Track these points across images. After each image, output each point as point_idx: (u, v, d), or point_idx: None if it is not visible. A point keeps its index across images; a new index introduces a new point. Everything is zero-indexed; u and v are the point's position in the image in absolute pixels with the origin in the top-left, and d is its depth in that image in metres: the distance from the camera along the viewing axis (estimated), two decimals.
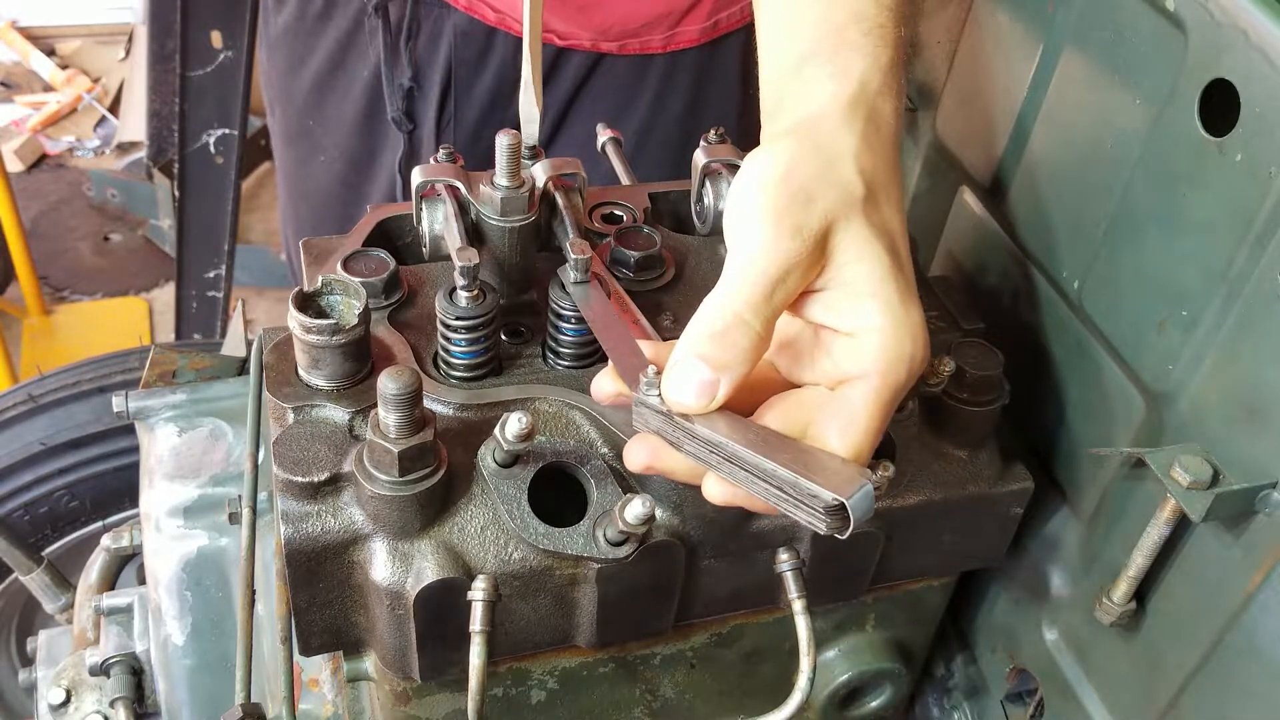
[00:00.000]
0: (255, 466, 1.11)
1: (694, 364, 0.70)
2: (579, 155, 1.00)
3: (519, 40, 1.47)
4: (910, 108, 1.20)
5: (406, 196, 1.57)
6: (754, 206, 0.72)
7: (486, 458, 0.84)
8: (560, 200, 0.93)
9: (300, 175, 1.72)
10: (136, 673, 1.34)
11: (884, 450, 0.94)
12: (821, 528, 0.67)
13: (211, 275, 2.87)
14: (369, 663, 0.93)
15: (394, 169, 1.59)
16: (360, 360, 0.87)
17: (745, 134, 1.64)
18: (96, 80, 4.53)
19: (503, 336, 0.95)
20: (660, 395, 0.72)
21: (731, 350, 0.70)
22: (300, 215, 1.78)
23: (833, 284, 0.73)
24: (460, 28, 1.46)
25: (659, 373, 0.73)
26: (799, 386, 0.76)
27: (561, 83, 1.51)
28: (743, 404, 0.73)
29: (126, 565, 1.57)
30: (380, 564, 0.83)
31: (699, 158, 1.00)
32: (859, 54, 0.81)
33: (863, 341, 0.72)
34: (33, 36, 4.60)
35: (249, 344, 1.50)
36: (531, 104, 0.93)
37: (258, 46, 1.75)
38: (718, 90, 1.62)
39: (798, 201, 0.72)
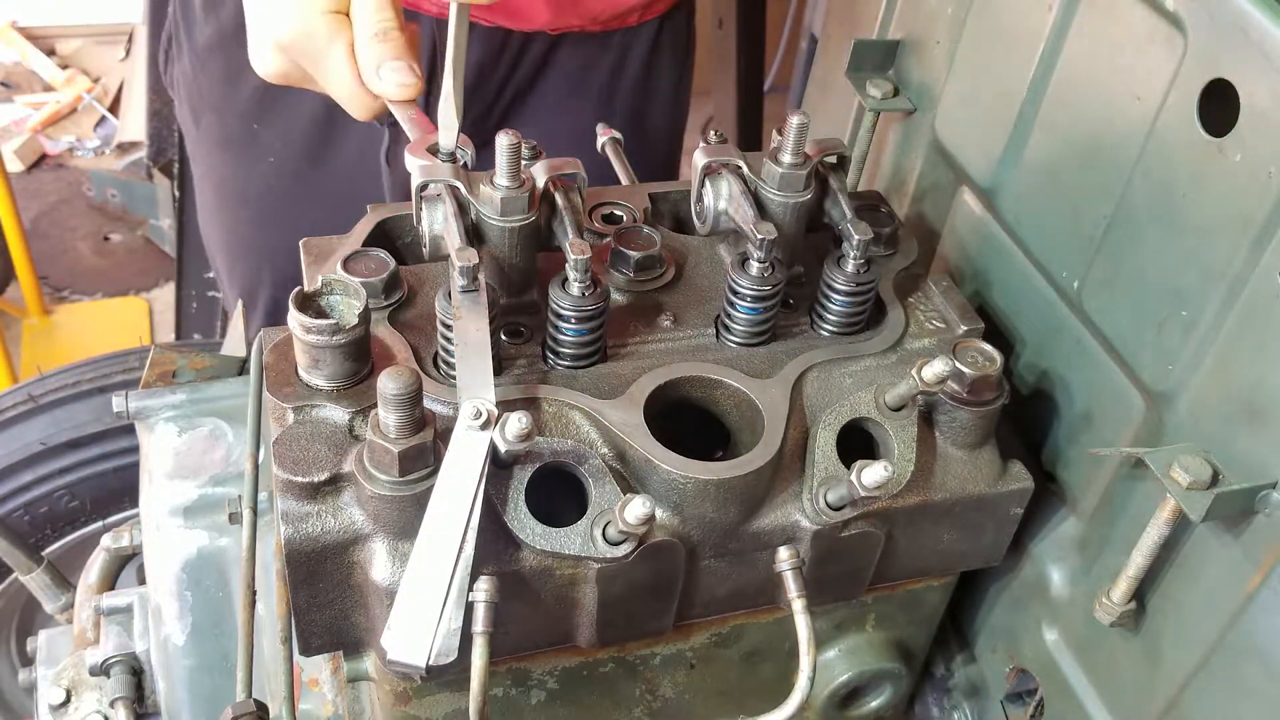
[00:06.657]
0: (255, 466, 1.11)
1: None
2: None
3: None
4: (910, 108, 1.20)
5: (391, 188, 1.58)
6: None
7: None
8: (560, 200, 0.93)
9: (240, 179, 1.70)
10: (136, 673, 1.34)
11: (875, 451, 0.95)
12: None
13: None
14: (369, 663, 0.93)
15: (349, 162, 1.59)
16: (360, 360, 0.87)
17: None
18: (96, 80, 4.53)
19: (503, 336, 0.95)
20: None
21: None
22: (238, 219, 1.75)
23: None
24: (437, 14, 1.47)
25: None
26: None
27: (524, 65, 1.53)
28: None
29: (126, 565, 1.57)
30: (380, 564, 0.83)
31: (699, 158, 0.99)
32: None
33: None
34: (33, 36, 4.61)
35: (249, 344, 1.51)
36: (451, 114, 0.96)
37: (174, 60, 1.71)
38: (670, 57, 1.65)
39: None
